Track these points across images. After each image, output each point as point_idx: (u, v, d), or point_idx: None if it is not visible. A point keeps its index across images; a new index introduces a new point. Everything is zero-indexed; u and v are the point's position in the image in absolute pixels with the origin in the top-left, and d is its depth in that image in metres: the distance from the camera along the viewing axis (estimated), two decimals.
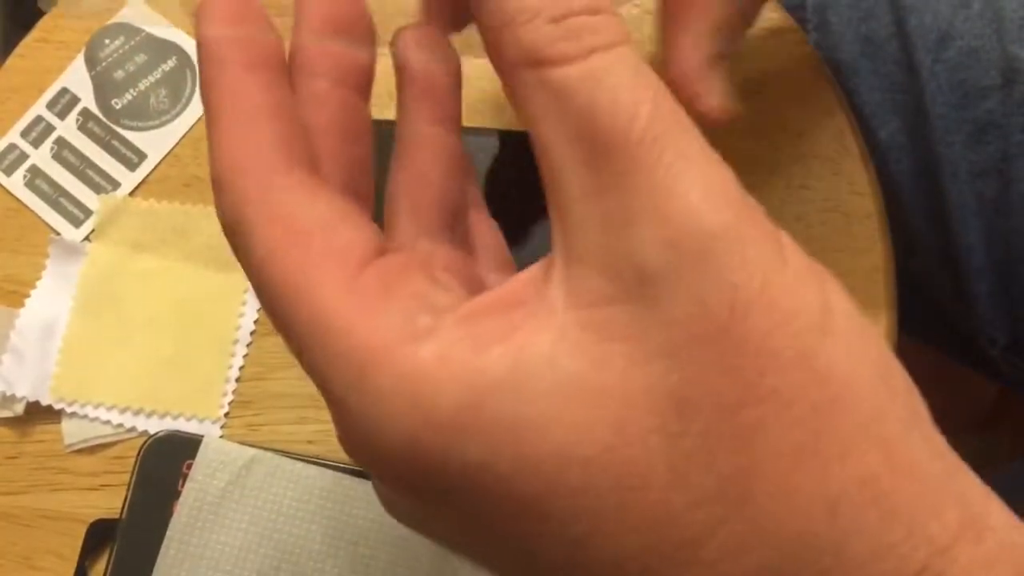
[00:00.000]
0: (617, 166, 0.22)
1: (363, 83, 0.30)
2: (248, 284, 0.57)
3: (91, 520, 0.54)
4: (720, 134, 0.57)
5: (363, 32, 0.30)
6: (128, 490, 0.53)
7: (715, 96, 0.45)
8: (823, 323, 0.23)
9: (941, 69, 0.65)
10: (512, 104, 0.24)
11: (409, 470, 0.24)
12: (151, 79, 0.61)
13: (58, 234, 0.59)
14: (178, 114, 0.60)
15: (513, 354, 0.23)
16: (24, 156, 0.60)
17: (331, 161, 0.29)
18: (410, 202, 0.30)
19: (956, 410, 1.13)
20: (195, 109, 0.60)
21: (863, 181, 0.56)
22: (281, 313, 0.25)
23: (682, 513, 0.22)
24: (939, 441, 0.25)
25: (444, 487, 0.24)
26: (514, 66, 0.23)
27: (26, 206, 0.59)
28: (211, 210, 0.58)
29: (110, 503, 0.54)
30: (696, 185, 0.22)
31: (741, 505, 0.22)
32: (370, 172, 0.31)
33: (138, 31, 0.62)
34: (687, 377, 0.22)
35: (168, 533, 0.52)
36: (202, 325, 0.57)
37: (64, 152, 0.60)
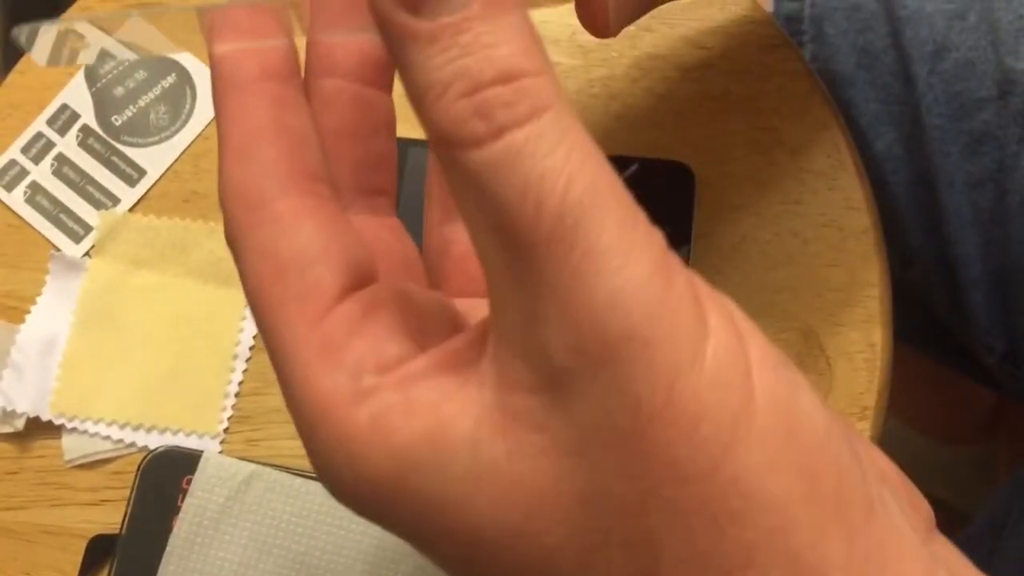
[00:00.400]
0: (527, 262, 0.22)
1: (380, 73, 0.30)
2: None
3: (91, 535, 0.54)
4: (715, 149, 0.57)
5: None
6: (128, 505, 0.53)
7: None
8: (734, 430, 0.22)
9: (937, 81, 0.65)
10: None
11: (357, 510, 0.25)
12: (151, 96, 0.61)
13: (58, 250, 0.59)
14: (178, 130, 0.61)
15: (438, 431, 0.23)
16: (25, 172, 0.60)
17: (342, 161, 0.29)
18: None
19: (954, 419, 1.13)
20: (195, 125, 0.61)
21: (858, 196, 0.57)
22: (265, 342, 0.26)
23: None
24: (892, 540, 0.24)
25: (389, 528, 0.25)
26: (431, 143, 0.23)
27: (26, 222, 0.60)
28: (211, 226, 0.58)
29: (110, 518, 0.54)
30: (602, 288, 0.21)
31: None
32: (391, 162, 0.31)
33: None
34: (593, 478, 0.22)
35: (168, 548, 0.52)
36: (201, 340, 0.57)
37: (64, 168, 0.60)
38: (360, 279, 0.26)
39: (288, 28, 0.28)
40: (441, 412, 0.23)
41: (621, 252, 0.21)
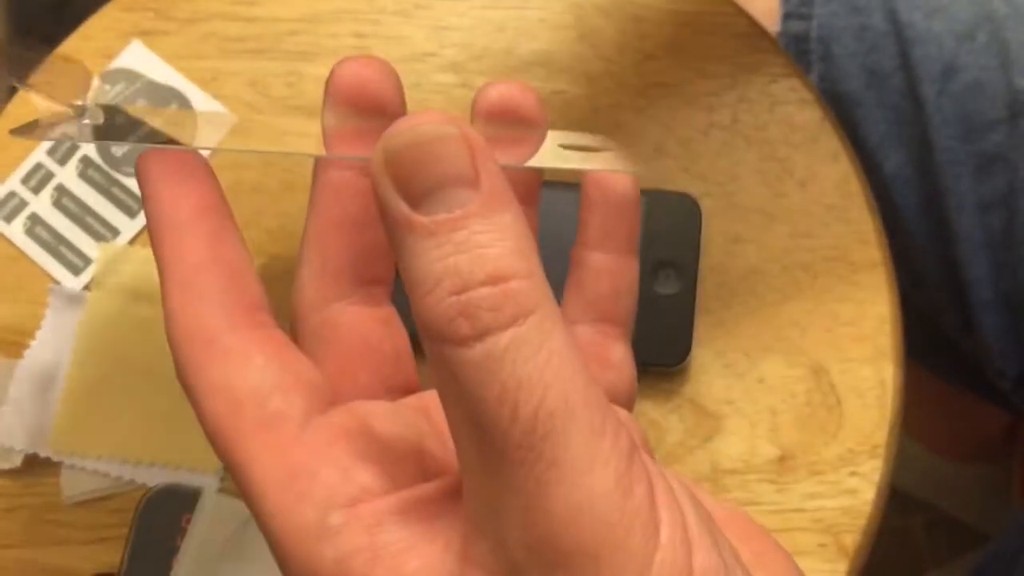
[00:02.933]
0: (496, 459, 0.23)
1: None
2: None
3: (90, 574, 0.54)
4: (724, 181, 0.57)
5: (390, 102, 0.30)
6: (127, 544, 0.53)
7: None
8: None
9: (946, 102, 0.64)
10: None
11: None
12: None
13: (57, 283, 0.58)
14: None
15: None
16: (24, 203, 0.60)
17: (342, 252, 0.30)
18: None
19: (968, 439, 1.12)
20: None
21: (869, 229, 0.56)
22: (232, 477, 0.26)
23: None
24: None
25: None
26: (419, 332, 0.23)
27: (25, 254, 0.59)
28: None
29: (109, 557, 0.54)
30: (562, 501, 0.22)
31: None
32: (389, 253, 0.31)
33: (138, 76, 0.61)
34: None
35: None
36: None
37: (64, 199, 0.60)
38: (320, 404, 0.27)
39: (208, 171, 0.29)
40: (404, 569, 0.24)
41: (585, 466, 0.22)
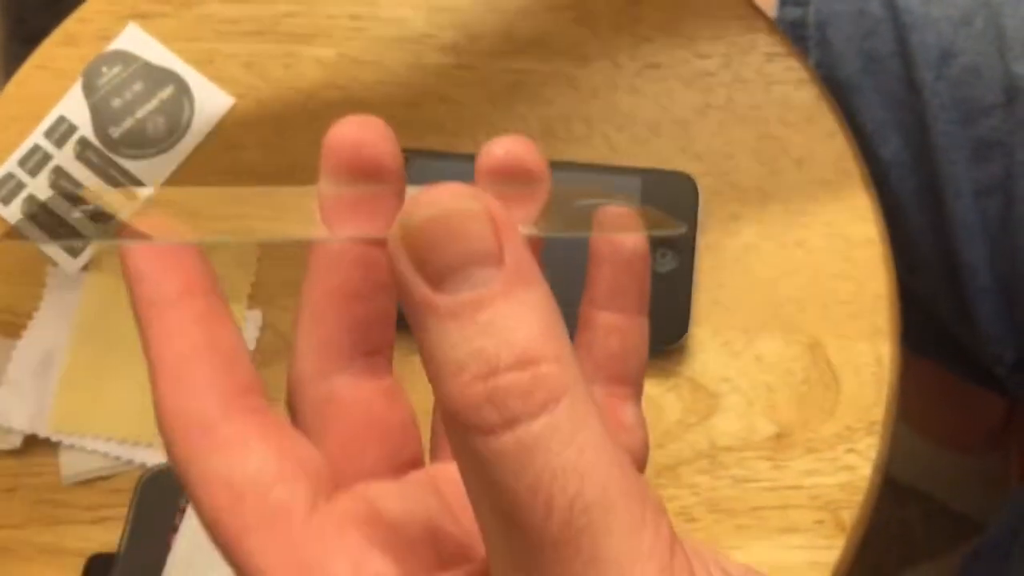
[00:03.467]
0: (530, 556, 0.21)
1: (387, 226, 0.30)
2: (246, 313, 0.57)
3: (89, 554, 0.54)
4: (720, 160, 0.57)
5: (388, 166, 0.28)
6: (126, 523, 0.53)
7: None
8: None
9: (943, 87, 0.64)
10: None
11: None
12: (148, 107, 0.61)
13: (56, 264, 0.58)
14: (175, 142, 0.60)
15: None
16: (22, 185, 0.60)
17: (342, 323, 0.29)
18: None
19: (965, 428, 1.13)
20: (192, 137, 0.60)
21: (865, 206, 0.56)
22: (235, 571, 0.25)
23: None
24: None
25: None
26: (443, 418, 0.22)
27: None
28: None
29: (109, 536, 0.54)
30: None
31: None
32: (391, 320, 0.30)
33: (135, 59, 0.61)
34: None
35: (166, 568, 0.52)
36: None
37: (62, 181, 0.60)
38: (324, 490, 0.25)
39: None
40: None
41: (627, 561, 0.21)
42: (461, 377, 0.21)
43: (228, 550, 0.24)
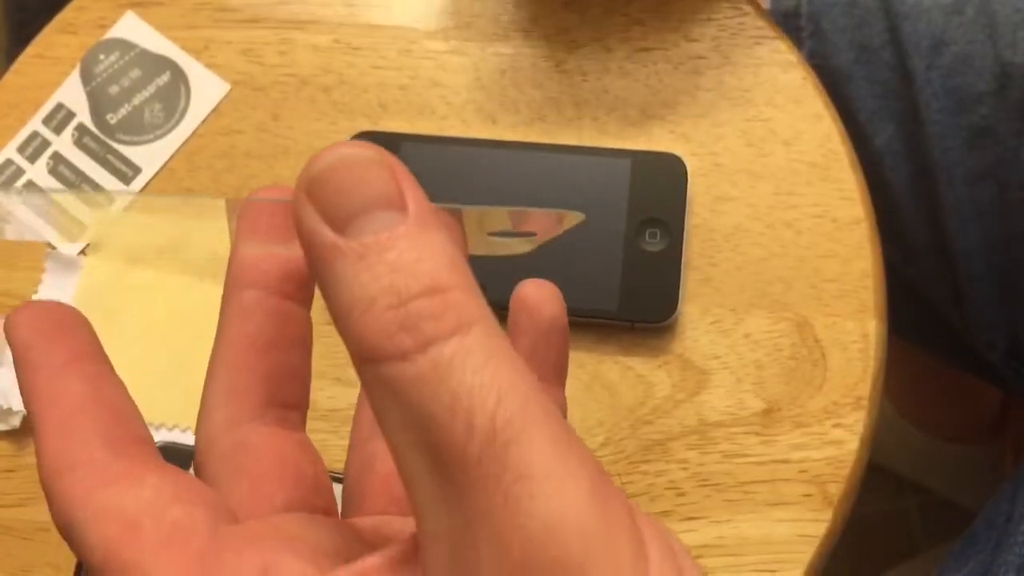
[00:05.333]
0: (458, 483, 0.21)
1: (299, 288, 0.29)
2: None
3: None
4: (708, 142, 0.57)
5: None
6: None
7: None
8: None
9: (935, 75, 0.65)
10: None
11: None
12: (145, 94, 0.62)
13: (54, 248, 0.59)
14: (172, 128, 0.61)
15: None
16: (20, 171, 0.61)
17: (255, 373, 0.28)
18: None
19: (960, 419, 1.13)
20: (189, 123, 0.61)
21: (851, 186, 0.57)
22: None
23: None
24: None
25: None
26: (354, 359, 0.22)
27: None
28: (206, 223, 0.58)
29: None
30: (537, 513, 0.20)
31: None
32: (305, 378, 0.30)
33: (132, 46, 0.62)
34: None
35: None
36: (198, 337, 0.57)
37: (60, 167, 0.61)
38: (225, 518, 0.25)
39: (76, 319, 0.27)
40: None
41: (556, 475, 0.21)
42: (372, 311, 0.21)
43: None
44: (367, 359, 0.21)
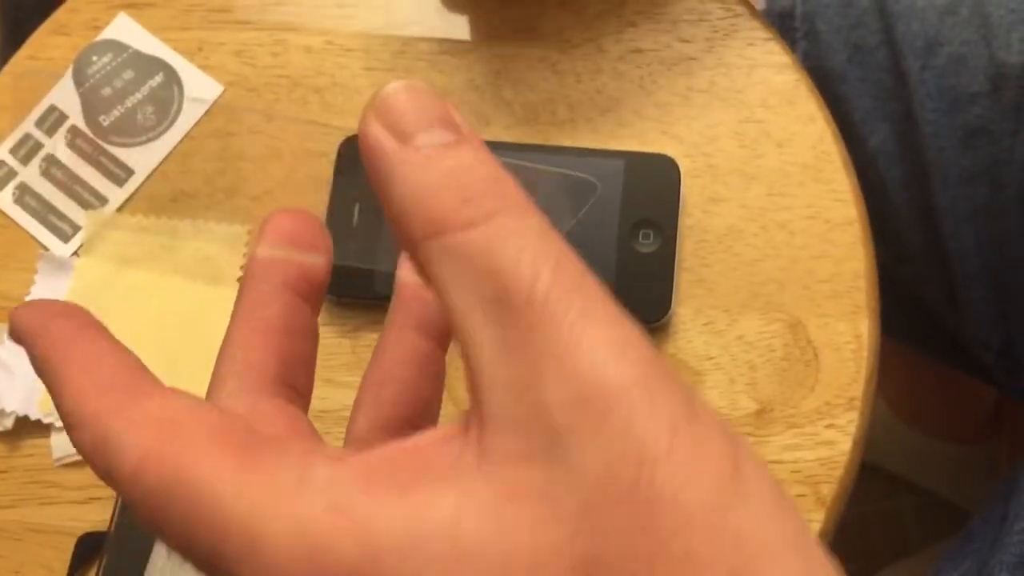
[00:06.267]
0: (522, 325, 0.22)
1: (312, 291, 0.30)
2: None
3: (80, 534, 0.54)
4: (701, 143, 0.57)
5: (318, 245, 0.30)
6: (116, 503, 0.53)
7: None
8: (735, 482, 0.22)
9: (930, 76, 0.65)
10: (424, 281, 0.25)
11: None
12: (138, 96, 0.61)
13: (47, 250, 0.59)
14: (165, 130, 0.61)
15: (414, 512, 0.22)
16: (13, 173, 0.61)
17: (264, 352, 0.29)
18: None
19: (955, 418, 1.13)
20: (181, 125, 0.61)
21: (844, 188, 0.57)
22: (163, 514, 0.23)
23: None
24: None
25: None
26: (420, 240, 0.24)
27: (15, 222, 0.60)
28: (199, 224, 0.58)
29: (99, 516, 0.54)
30: (600, 342, 0.22)
31: None
32: (312, 367, 0.31)
33: (125, 48, 0.62)
34: (597, 539, 0.21)
35: (156, 545, 0.52)
36: (190, 338, 0.57)
37: (53, 169, 0.61)
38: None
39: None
40: (417, 494, 0.22)
41: (613, 317, 0.22)
42: (439, 194, 0.23)
43: (156, 488, 0.23)
44: (433, 234, 0.23)
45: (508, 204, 0.23)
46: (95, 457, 0.24)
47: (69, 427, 0.25)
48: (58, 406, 0.25)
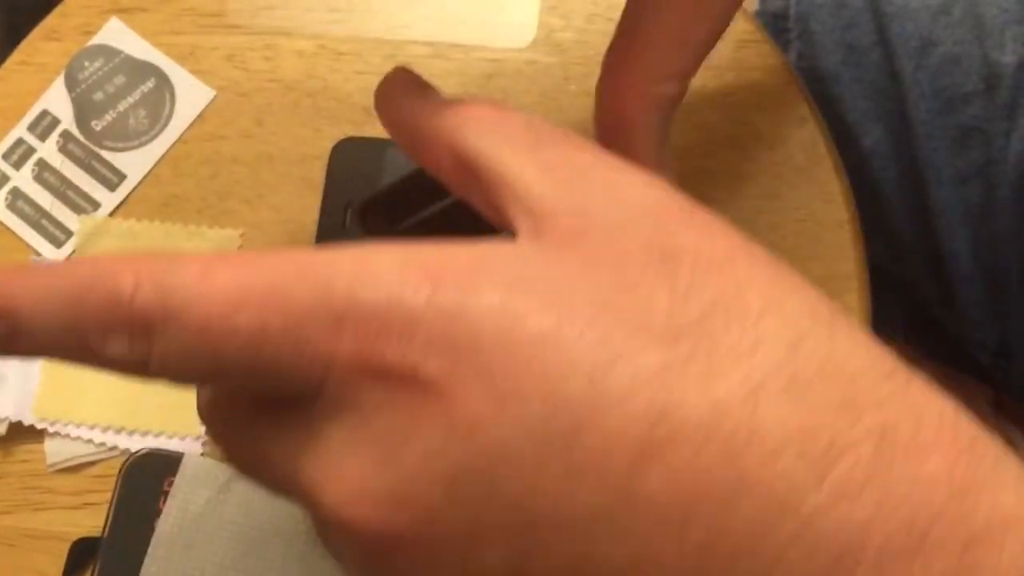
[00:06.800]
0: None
1: None
2: None
3: (74, 539, 0.54)
4: (693, 145, 0.57)
5: None
6: (110, 508, 0.54)
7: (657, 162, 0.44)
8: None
9: (923, 76, 0.65)
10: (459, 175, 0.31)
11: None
12: (130, 100, 0.61)
13: (39, 255, 0.59)
14: (157, 134, 0.61)
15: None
16: (5, 178, 0.61)
17: None
18: None
19: None
20: (174, 130, 0.61)
21: (835, 190, 0.57)
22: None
23: None
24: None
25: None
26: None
27: (7, 227, 0.60)
28: (190, 229, 0.59)
29: (93, 521, 0.54)
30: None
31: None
32: None
33: (117, 52, 0.62)
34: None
35: (149, 550, 0.52)
36: None
37: (45, 174, 0.61)
38: None
39: None
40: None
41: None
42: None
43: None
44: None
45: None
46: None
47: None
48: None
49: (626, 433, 0.23)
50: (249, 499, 0.53)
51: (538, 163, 0.29)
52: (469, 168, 0.31)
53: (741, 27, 0.60)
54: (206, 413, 0.30)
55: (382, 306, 0.25)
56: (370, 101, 0.38)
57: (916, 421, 0.23)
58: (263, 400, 0.28)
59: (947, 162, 0.65)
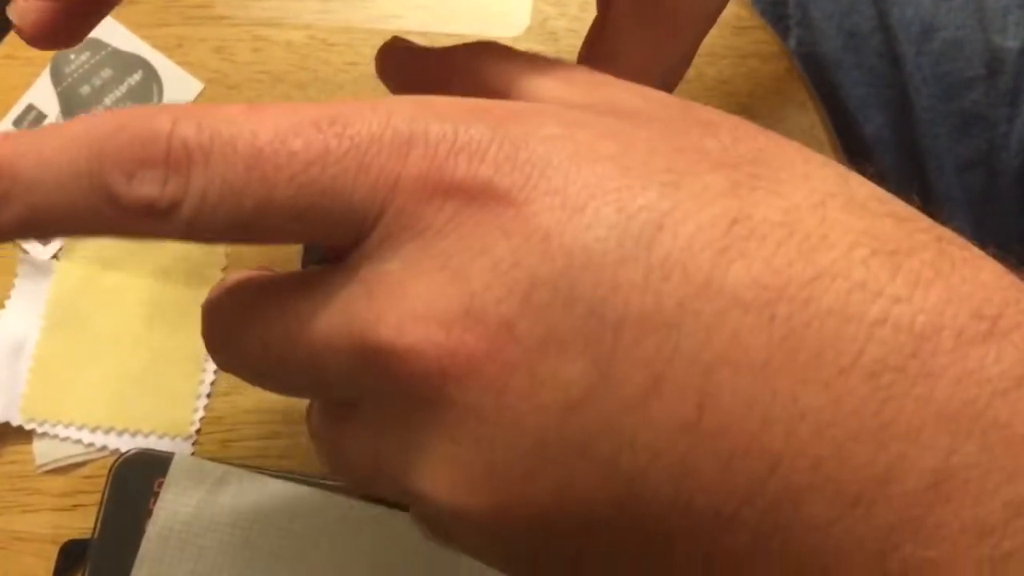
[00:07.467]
0: None
1: None
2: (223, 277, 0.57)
3: (64, 541, 0.53)
4: None
5: None
6: (100, 509, 0.53)
7: None
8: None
9: (925, 61, 0.64)
10: None
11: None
12: (117, 93, 0.61)
13: (26, 252, 0.58)
14: None
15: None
16: None
17: None
18: None
19: None
20: None
21: None
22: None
23: None
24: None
25: None
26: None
27: None
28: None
29: (83, 523, 0.54)
30: None
31: None
32: None
33: (104, 45, 0.61)
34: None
35: (140, 552, 0.52)
36: (172, 341, 0.56)
37: None
38: None
39: None
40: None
41: None
42: None
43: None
44: None
45: None
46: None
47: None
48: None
49: (707, 230, 0.23)
50: (240, 499, 0.52)
51: (558, 76, 0.31)
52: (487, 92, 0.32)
53: (737, 13, 0.59)
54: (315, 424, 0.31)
55: (449, 133, 0.25)
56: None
57: (963, 242, 0.25)
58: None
59: (949, 149, 0.64)
